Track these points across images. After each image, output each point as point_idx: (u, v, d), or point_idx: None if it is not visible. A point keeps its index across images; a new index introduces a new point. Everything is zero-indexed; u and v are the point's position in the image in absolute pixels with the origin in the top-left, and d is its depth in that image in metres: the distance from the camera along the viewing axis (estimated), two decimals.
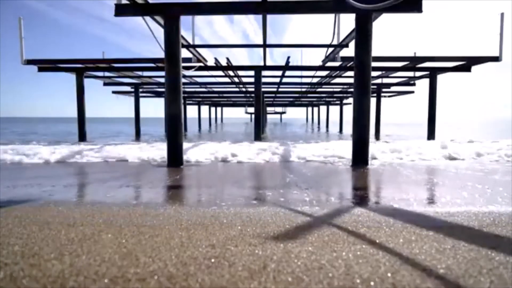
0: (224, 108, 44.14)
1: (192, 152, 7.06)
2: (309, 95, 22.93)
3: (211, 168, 5.84)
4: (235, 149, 7.43)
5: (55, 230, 2.29)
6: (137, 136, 16.39)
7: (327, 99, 26.80)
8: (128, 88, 17.43)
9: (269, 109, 41.15)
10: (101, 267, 1.67)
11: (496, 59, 9.65)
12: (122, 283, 1.51)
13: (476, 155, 6.81)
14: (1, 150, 7.22)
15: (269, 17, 6.99)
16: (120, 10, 5.78)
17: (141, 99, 18.05)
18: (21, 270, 1.65)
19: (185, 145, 6.81)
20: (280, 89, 18.65)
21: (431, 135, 12.71)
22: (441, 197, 3.40)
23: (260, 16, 6.95)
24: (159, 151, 7.25)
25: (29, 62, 10.46)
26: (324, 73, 13.04)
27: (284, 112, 47.12)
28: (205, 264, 1.71)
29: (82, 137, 12.31)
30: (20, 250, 1.91)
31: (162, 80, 14.36)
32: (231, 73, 12.58)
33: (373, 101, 14.63)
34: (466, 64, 11.23)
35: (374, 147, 7.05)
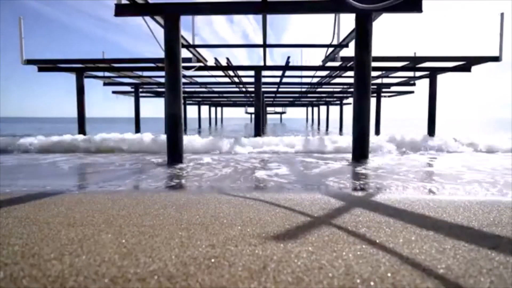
0: (224, 108, 44.14)
1: None
2: (309, 95, 22.94)
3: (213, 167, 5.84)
4: None
5: (55, 230, 2.29)
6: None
7: (327, 99, 26.80)
8: (128, 88, 17.44)
9: (269, 109, 41.15)
10: (101, 267, 1.67)
11: (496, 59, 9.66)
12: (122, 283, 1.51)
13: None
14: None
15: (269, 17, 7.00)
16: (120, 10, 5.78)
17: (141, 99, 18.05)
18: (21, 270, 1.65)
19: None
20: (280, 89, 18.65)
21: (430, 134, 12.70)
22: None
23: (260, 16, 6.95)
24: None
25: (29, 62, 10.47)
26: (324, 73, 13.05)
27: (284, 112, 47.13)
28: (205, 264, 1.71)
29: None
30: (20, 250, 1.91)
31: (162, 80, 14.37)
32: (231, 73, 12.58)
33: (373, 101, 14.65)
34: (466, 64, 11.24)
35: None
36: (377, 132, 16.67)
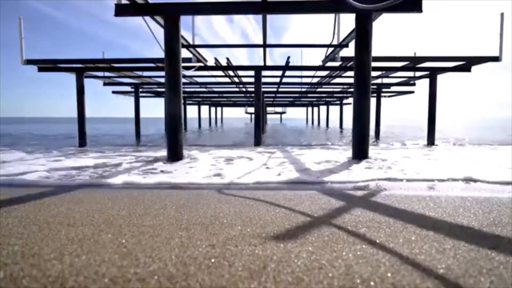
0: (224, 108, 44.15)
1: None
2: (309, 95, 22.94)
3: None
4: None
5: (55, 230, 2.29)
6: (137, 139, 15.82)
7: (327, 99, 26.81)
8: (128, 88, 17.44)
9: (269, 109, 41.16)
10: (101, 267, 1.67)
11: (496, 59, 9.65)
12: (122, 283, 1.51)
13: None
14: None
15: (269, 17, 6.99)
16: (120, 10, 5.78)
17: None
18: (21, 270, 1.65)
19: None
20: (280, 89, 18.65)
21: (431, 136, 12.69)
22: None
23: (260, 16, 6.95)
24: None
25: (29, 62, 10.45)
26: (324, 73, 13.04)
27: (284, 112, 47.14)
28: (205, 264, 1.71)
29: (82, 137, 12.27)
30: (20, 250, 1.91)
31: (162, 80, 14.36)
32: (231, 73, 12.58)
33: (373, 101, 14.64)
34: (466, 64, 11.23)
35: None
36: (377, 134, 16.43)
